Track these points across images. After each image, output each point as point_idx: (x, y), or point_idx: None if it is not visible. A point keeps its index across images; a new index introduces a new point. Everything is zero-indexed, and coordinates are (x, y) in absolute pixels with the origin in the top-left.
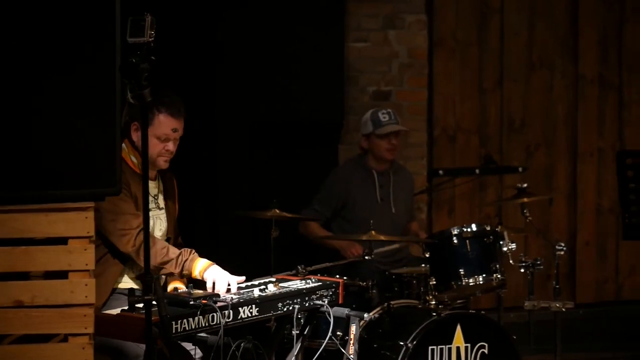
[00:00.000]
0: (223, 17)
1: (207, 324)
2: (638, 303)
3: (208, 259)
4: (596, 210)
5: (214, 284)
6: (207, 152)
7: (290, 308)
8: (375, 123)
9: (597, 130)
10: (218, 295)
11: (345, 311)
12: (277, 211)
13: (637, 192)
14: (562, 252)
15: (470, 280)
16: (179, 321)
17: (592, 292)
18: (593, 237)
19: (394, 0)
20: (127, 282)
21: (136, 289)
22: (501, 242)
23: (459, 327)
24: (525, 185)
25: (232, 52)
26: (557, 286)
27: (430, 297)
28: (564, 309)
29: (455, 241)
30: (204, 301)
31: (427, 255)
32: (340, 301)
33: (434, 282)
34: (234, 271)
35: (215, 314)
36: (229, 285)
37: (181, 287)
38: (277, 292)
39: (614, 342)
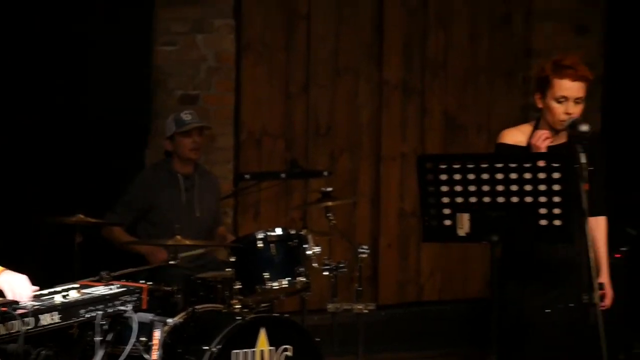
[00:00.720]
0: (40, 17)
1: (6, 332)
2: (439, 303)
3: (7, 267)
4: (398, 213)
5: (11, 290)
6: (7, 154)
7: (93, 314)
8: (178, 123)
9: (401, 135)
10: (17, 302)
11: (149, 316)
12: (82, 216)
13: (436, 195)
14: (364, 255)
15: (275, 284)
16: None
17: (394, 294)
18: (395, 240)
19: (202, 5)
20: None
21: None
22: (305, 246)
23: (262, 331)
24: (329, 189)
25: (45, 52)
26: (360, 288)
27: (235, 301)
28: (366, 311)
29: (260, 245)
30: (3, 308)
31: (232, 260)
32: (144, 306)
33: (239, 286)
34: (35, 279)
35: (15, 321)
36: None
37: None
38: (80, 298)
39: (416, 343)
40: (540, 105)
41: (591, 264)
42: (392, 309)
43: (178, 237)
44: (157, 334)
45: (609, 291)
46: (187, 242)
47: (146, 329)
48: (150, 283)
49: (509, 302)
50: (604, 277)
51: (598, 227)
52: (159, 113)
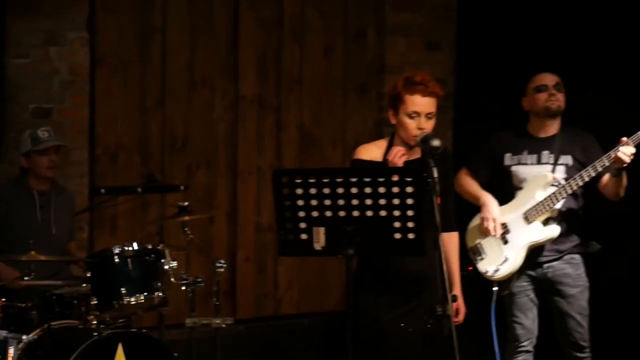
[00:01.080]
0: None
1: None
2: (296, 317)
3: None
4: (255, 227)
5: None
6: None
7: None
8: (34, 140)
9: (257, 149)
10: None
11: (3, 333)
12: None
13: (292, 209)
14: (222, 269)
15: (132, 299)
16: None
17: (252, 308)
18: (252, 254)
19: (55, 17)
20: None
21: None
22: (163, 260)
23: (120, 346)
24: (186, 203)
25: None
26: (218, 303)
27: (92, 317)
28: (224, 325)
29: (117, 260)
30: None
31: (88, 275)
32: None
33: (96, 302)
34: None
35: None
36: None
37: None
38: None
39: (274, 356)
40: (393, 122)
41: (445, 276)
42: (250, 322)
43: (32, 252)
44: (11, 351)
45: (462, 307)
46: (42, 257)
47: (0, 346)
48: (4, 299)
49: (365, 315)
50: (457, 292)
51: (450, 242)
52: (11, 126)
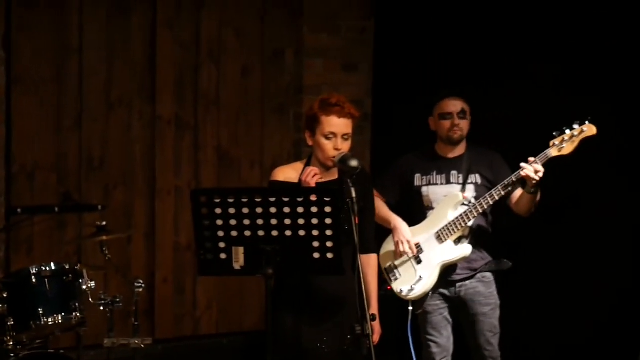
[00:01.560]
0: None
1: None
2: (215, 337)
3: None
4: (174, 247)
5: None
6: None
7: None
8: None
9: (174, 169)
10: None
11: None
12: None
13: (211, 229)
14: (140, 289)
15: (50, 320)
16: None
17: (171, 328)
18: (171, 274)
19: None
20: None
21: None
22: (80, 281)
23: None
24: (104, 223)
25: None
26: (136, 323)
27: (8, 337)
28: (142, 345)
29: (34, 280)
30: None
31: (5, 295)
32: None
33: (12, 323)
34: None
35: None
36: None
37: None
38: None
39: None
40: (310, 143)
41: (364, 295)
42: (169, 342)
43: None
44: None
45: (377, 327)
46: None
47: None
48: None
49: (284, 334)
50: (374, 312)
51: (369, 264)
52: None
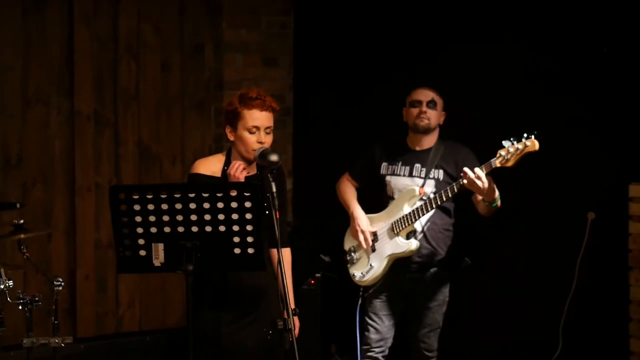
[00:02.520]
0: None
1: None
2: (138, 334)
3: None
4: (95, 244)
5: None
6: None
7: None
8: None
9: (94, 165)
10: None
11: None
12: None
13: (130, 225)
14: (60, 288)
15: None
16: None
17: (92, 326)
18: (93, 272)
19: None
20: None
21: None
22: None
23: None
24: (22, 221)
25: None
26: (56, 322)
27: None
28: (63, 345)
29: None
30: None
31: None
32: None
33: None
34: None
35: None
36: None
37: None
38: None
39: None
40: (231, 138)
41: (286, 290)
42: (91, 341)
43: None
44: None
45: (296, 321)
46: None
47: None
48: None
49: (205, 330)
50: (293, 307)
51: (284, 258)
52: None
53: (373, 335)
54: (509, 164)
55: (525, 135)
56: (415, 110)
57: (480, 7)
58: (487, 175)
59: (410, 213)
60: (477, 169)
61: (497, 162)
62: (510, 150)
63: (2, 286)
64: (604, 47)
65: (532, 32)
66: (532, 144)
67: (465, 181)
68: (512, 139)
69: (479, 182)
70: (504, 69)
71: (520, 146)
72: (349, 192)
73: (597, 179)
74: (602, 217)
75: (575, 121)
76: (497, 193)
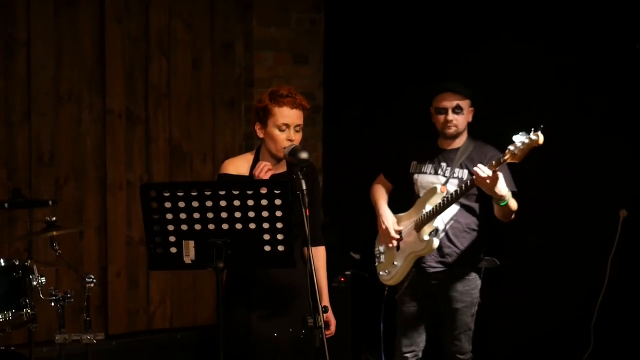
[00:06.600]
0: None
1: None
2: (169, 331)
3: None
4: (126, 241)
5: None
6: None
7: None
8: None
9: (125, 163)
10: None
11: None
12: None
13: (161, 223)
14: (92, 284)
15: (0, 316)
16: None
17: (124, 323)
18: (124, 269)
19: None
20: None
21: None
22: (31, 277)
23: None
24: (54, 218)
25: None
26: (88, 318)
27: None
28: (95, 341)
29: None
30: None
31: None
32: None
33: None
34: None
35: None
36: None
37: None
38: None
39: None
40: (261, 135)
41: (316, 287)
42: (122, 338)
43: None
44: None
45: (332, 318)
46: None
47: None
48: None
49: (236, 327)
50: (326, 304)
51: (317, 256)
52: None
53: (404, 340)
54: (517, 159)
55: (532, 129)
56: (441, 117)
57: (512, 6)
58: (494, 172)
59: (431, 211)
60: (484, 167)
61: (506, 158)
62: (517, 145)
63: (34, 283)
64: (638, 43)
65: (564, 31)
66: (537, 138)
67: (474, 177)
68: (521, 133)
69: (486, 181)
70: (535, 67)
71: (526, 140)
72: (379, 193)
73: (629, 176)
74: (635, 214)
75: (608, 119)
76: (506, 192)
